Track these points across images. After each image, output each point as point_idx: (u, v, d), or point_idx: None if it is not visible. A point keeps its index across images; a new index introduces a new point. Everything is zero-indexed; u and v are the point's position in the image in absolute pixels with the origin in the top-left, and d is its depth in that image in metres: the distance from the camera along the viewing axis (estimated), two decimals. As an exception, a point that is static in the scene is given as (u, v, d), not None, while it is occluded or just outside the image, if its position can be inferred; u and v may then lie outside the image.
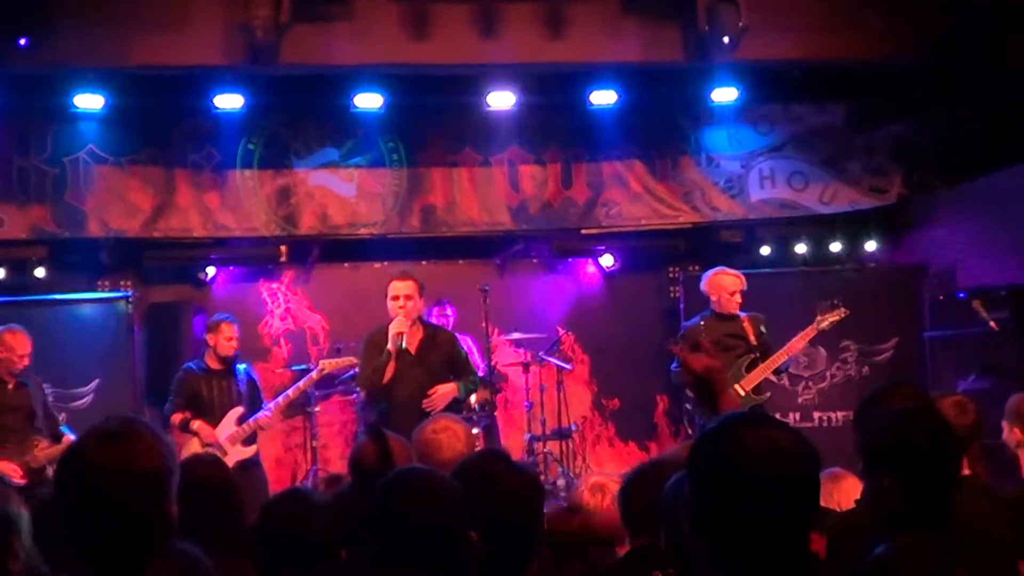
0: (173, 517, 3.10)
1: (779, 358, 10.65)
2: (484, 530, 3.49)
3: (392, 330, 9.99)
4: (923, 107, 13.44)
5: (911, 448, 3.96)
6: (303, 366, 13.05)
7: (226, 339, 11.27)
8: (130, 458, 3.02)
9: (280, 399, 11.45)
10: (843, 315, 10.93)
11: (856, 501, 4.80)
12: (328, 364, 11.87)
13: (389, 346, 9.97)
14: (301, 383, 11.61)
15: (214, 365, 11.31)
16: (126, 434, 3.07)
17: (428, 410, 9.57)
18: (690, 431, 13.01)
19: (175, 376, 11.48)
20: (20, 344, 10.55)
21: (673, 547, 4.67)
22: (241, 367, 11.48)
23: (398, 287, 10.13)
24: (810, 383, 13.35)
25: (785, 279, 13.58)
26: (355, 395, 13.01)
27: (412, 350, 10.11)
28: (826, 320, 10.86)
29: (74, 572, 3.13)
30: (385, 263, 14.53)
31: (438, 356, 10.24)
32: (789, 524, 2.80)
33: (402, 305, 10.03)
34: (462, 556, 3.40)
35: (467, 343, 13.39)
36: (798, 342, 10.74)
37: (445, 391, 10.01)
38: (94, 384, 12.68)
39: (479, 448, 7.22)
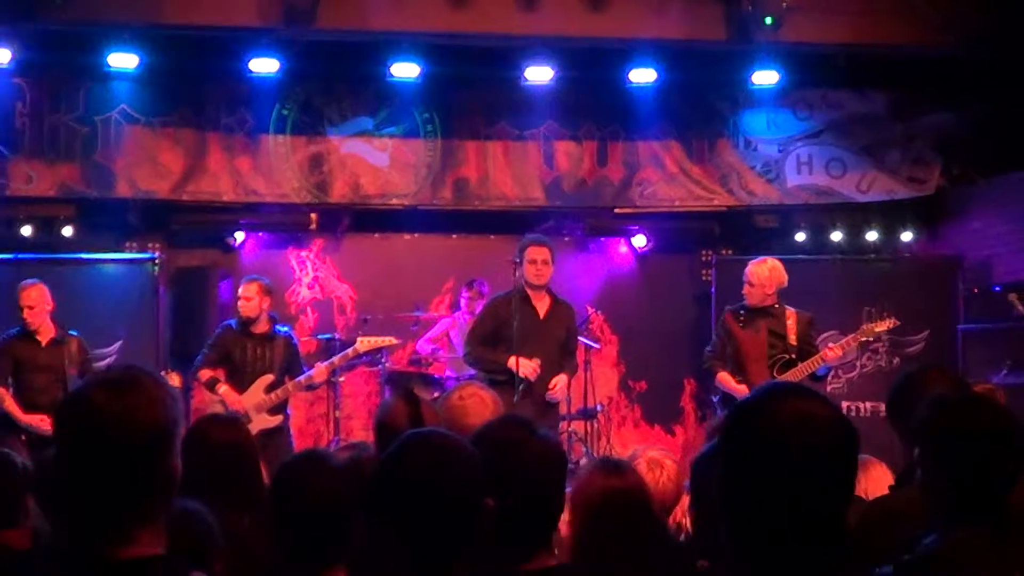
0: (175, 472, 2.96)
1: (815, 363, 10.18)
2: (503, 497, 3.36)
3: (523, 372, 10.00)
4: (965, 98, 13.31)
5: (974, 440, 3.84)
6: (329, 335, 12.97)
7: (243, 299, 11.08)
8: (132, 407, 2.87)
9: (313, 371, 11.25)
10: (892, 325, 10.59)
11: (890, 487, 4.66)
12: (365, 343, 11.64)
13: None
14: (336, 359, 11.47)
15: (249, 328, 11.15)
16: (130, 382, 2.92)
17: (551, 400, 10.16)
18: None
19: (215, 331, 11.41)
20: (26, 296, 10.67)
21: (702, 529, 4.58)
22: (283, 332, 11.33)
23: (537, 252, 10.23)
24: (840, 372, 13.17)
25: (819, 266, 13.42)
26: (380, 367, 12.89)
27: (541, 316, 10.25)
28: (872, 328, 10.54)
29: (72, 527, 3.00)
30: (416, 234, 14.50)
31: (562, 326, 10.39)
32: (823, 501, 2.65)
33: (539, 270, 10.15)
34: (477, 522, 3.28)
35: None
36: (838, 350, 10.21)
37: (563, 383, 10.29)
38: (118, 345, 12.64)
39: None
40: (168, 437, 2.92)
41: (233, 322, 11.20)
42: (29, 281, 10.80)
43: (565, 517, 4.15)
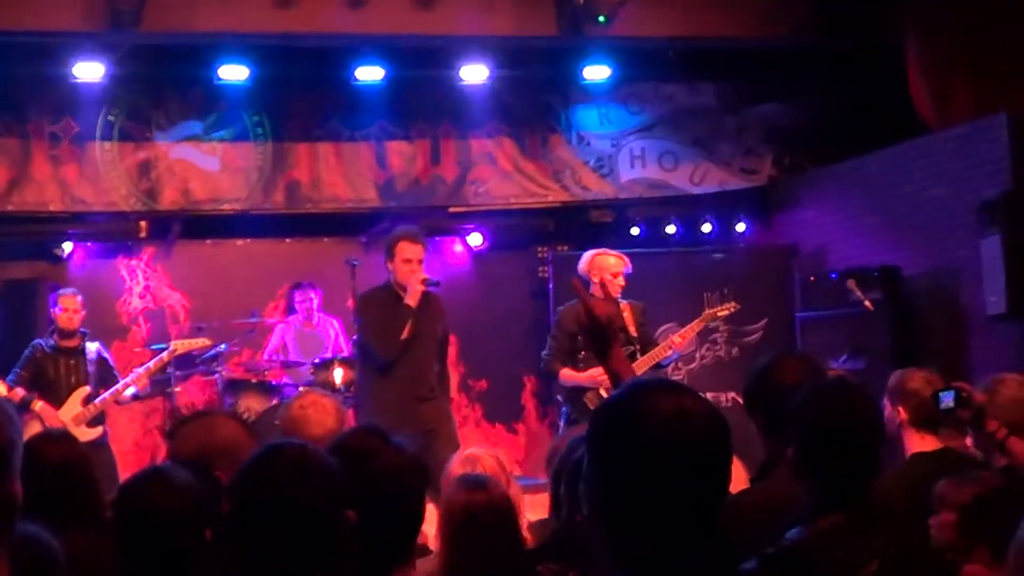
0: (15, 497, 2.74)
1: (662, 352, 10.10)
2: (362, 509, 3.26)
3: (413, 285, 9.62)
4: (795, 88, 13.49)
5: (844, 428, 3.89)
6: (162, 345, 12.71)
7: (62, 311, 10.98)
8: None
9: (130, 378, 11.13)
10: (733, 309, 10.54)
11: (751, 481, 4.63)
12: (181, 344, 11.64)
13: (408, 300, 9.61)
14: (152, 363, 11.32)
15: (62, 342, 11.01)
16: None
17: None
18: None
19: (23, 351, 11.15)
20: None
21: (564, 532, 4.53)
22: (92, 345, 11.18)
23: (413, 250, 9.75)
24: (680, 364, 13.21)
25: (656, 260, 13.43)
26: (216, 375, 12.67)
27: (412, 304, 9.75)
28: (715, 313, 10.48)
29: None
30: (249, 240, 14.31)
31: (438, 319, 9.99)
32: (702, 499, 2.59)
33: (414, 269, 9.69)
34: (337, 535, 3.18)
35: (332, 324, 13.17)
36: (684, 336, 10.20)
37: None
38: (-57, 360, 12.26)
39: (352, 426, 6.97)
40: (6, 458, 2.71)
41: (41, 341, 11.06)
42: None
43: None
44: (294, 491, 3.14)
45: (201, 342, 11.80)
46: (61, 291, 11.28)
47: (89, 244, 14.00)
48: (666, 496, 2.55)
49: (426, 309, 9.80)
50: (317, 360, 12.06)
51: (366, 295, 10.15)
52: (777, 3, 11.80)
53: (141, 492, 3.99)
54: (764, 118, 13.90)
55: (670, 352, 10.18)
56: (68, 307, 10.99)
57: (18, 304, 13.16)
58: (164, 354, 11.43)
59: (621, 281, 10.12)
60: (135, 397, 11.49)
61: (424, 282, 9.69)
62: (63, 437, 5.39)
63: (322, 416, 5.53)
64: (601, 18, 10.95)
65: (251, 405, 11.99)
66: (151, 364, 11.33)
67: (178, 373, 12.51)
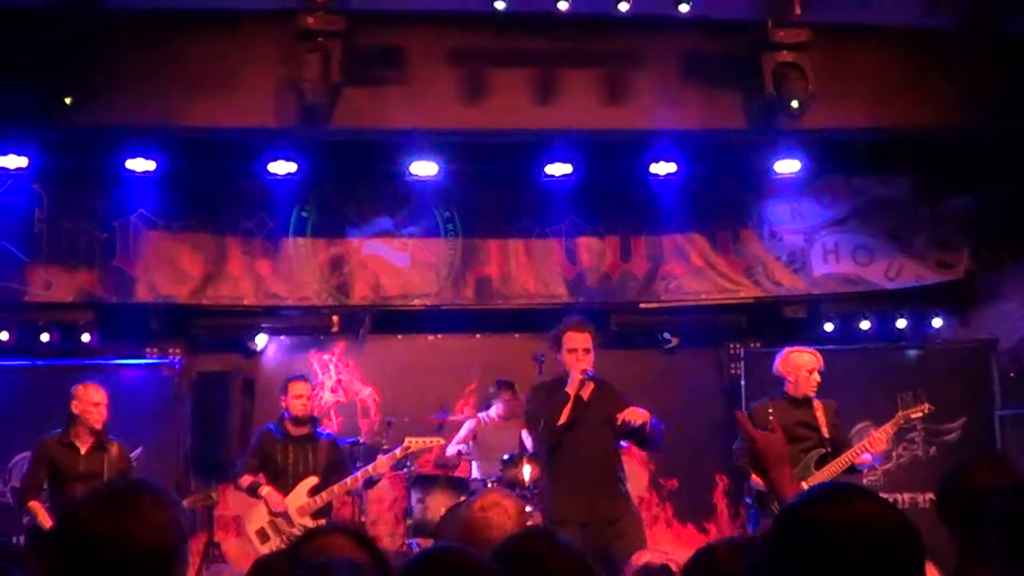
0: None
1: (854, 455, 9.88)
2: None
3: (575, 373, 9.65)
4: (990, 178, 13.17)
5: None
6: (352, 439, 12.74)
7: (295, 398, 11.08)
8: (126, 528, 2.62)
9: (359, 472, 11.12)
10: (927, 411, 10.24)
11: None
12: (415, 443, 11.51)
13: (568, 388, 9.65)
14: (385, 458, 11.29)
15: (292, 429, 11.07)
16: (128, 500, 2.67)
17: (620, 431, 9.64)
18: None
19: (253, 435, 11.35)
20: (95, 393, 10.50)
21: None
22: (324, 434, 11.26)
23: (579, 339, 9.80)
24: (864, 467, 12.90)
25: (849, 356, 13.20)
26: (405, 470, 12.66)
27: (584, 398, 9.79)
28: (908, 414, 10.18)
29: None
30: (439, 335, 14.35)
31: (611, 407, 9.82)
32: None
33: (579, 357, 9.72)
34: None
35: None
36: (878, 440, 9.89)
37: (641, 411, 9.63)
38: (138, 452, 12.47)
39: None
40: (167, 561, 2.67)
41: (272, 426, 11.16)
42: (88, 381, 10.66)
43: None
44: None
45: (435, 441, 11.78)
46: (291, 377, 11.41)
47: (282, 338, 14.22)
48: None
49: (596, 398, 9.77)
50: (506, 456, 11.98)
51: (537, 385, 10.23)
52: (967, 89, 11.52)
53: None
54: (960, 209, 13.60)
55: (865, 456, 9.94)
56: (301, 393, 11.10)
57: (211, 396, 13.33)
58: (397, 451, 11.38)
59: (817, 378, 10.02)
60: (368, 484, 11.47)
61: (583, 372, 9.65)
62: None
63: (502, 519, 5.38)
64: (795, 103, 10.78)
65: (438, 500, 11.94)
66: (396, 451, 11.33)
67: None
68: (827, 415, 10.01)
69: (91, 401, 10.42)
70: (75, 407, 10.44)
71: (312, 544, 4.30)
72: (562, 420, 9.61)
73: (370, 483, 11.52)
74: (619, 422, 9.59)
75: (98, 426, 10.42)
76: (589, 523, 9.44)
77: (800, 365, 10.04)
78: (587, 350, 9.77)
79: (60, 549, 2.69)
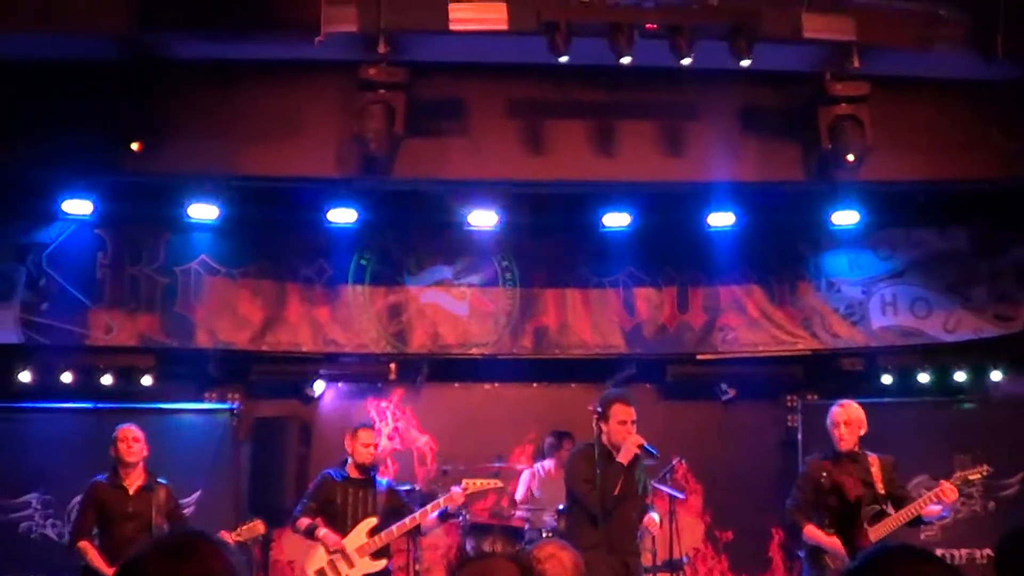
0: None
1: (920, 507, 9.64)
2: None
3: (631, 444, 9.76)
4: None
5: None
6: (408, 486, 12.77)
7: (363, 445, 11.11)
8: None
9: (417, 513, 11.12)
10: (985, 473, 10.05)
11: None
12: (472, 484, 11.48)
13: (621, 458, 9.75)
14: (441, 499, 11.26)
15: (353, 473, 11.12)
16: (188, 550, 2.78)
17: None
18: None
19: (312, 481, 11.40)
20: (130, 430, 10.50)
21: None
22: (383, 480, 11.29)
23: (628, 412, 9.94)
24: (933, 519, 12.82)
25: (907, 410, 13.15)
26: (460, 518, 12.68)
27: (625, 462, 9.89)
28: (966, 476, 9.94)
29: None
30: (496, 384, 14.38)
31: (641, 476, 10.14)
32: None
33: (629, 430, 9.86)
34: None
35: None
36: (950, 490, 9.54)
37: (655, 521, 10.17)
38: (196, 495, 12.61)
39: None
40: None
41: (332, 471, 11.17)
42: (124, 424, 10.67)
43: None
44: None
45: (492, 483, 11.80)
46: (360, 424, 11.41)
47: (339, 384, 14.29)
48: None
49: (634, 467, 9.92)
50: (561, 507, 11.98)
51: (579, 451, 10.30)
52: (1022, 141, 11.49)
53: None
54: (1018, 262, 13.53)
55: (933, 507, 9.69)
56: (369, 442, 11.13)
57: (268, 441, 13.45)
58: (456, 492, 11.39)
59: (841, 431, 9.87)
60: (443, 518, 11.48)
61: (641, 447, 9.82)
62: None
63: (558, 570, 5.44)
64: (850, 156, 10.75)
65: (494, 550, 11.94)
66: (440, 500, 11.30)
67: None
68: (883, 470, 9.81)
69: (127, 438, 10.47)
70: (113, 449, 10.51)
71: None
72: (617, 491, 9.74)
73: (445, 516, 11.47)
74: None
75: (134, 460, 10.44)
76: None
77: (831, 422, 9.94)
78: (635, 422, 9.93)
79: None
